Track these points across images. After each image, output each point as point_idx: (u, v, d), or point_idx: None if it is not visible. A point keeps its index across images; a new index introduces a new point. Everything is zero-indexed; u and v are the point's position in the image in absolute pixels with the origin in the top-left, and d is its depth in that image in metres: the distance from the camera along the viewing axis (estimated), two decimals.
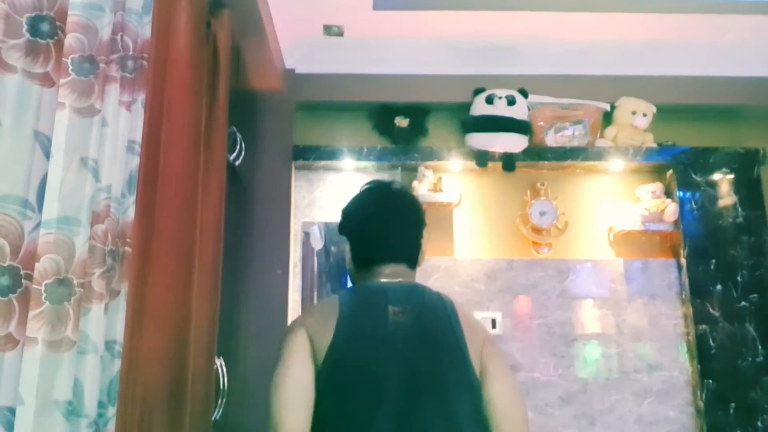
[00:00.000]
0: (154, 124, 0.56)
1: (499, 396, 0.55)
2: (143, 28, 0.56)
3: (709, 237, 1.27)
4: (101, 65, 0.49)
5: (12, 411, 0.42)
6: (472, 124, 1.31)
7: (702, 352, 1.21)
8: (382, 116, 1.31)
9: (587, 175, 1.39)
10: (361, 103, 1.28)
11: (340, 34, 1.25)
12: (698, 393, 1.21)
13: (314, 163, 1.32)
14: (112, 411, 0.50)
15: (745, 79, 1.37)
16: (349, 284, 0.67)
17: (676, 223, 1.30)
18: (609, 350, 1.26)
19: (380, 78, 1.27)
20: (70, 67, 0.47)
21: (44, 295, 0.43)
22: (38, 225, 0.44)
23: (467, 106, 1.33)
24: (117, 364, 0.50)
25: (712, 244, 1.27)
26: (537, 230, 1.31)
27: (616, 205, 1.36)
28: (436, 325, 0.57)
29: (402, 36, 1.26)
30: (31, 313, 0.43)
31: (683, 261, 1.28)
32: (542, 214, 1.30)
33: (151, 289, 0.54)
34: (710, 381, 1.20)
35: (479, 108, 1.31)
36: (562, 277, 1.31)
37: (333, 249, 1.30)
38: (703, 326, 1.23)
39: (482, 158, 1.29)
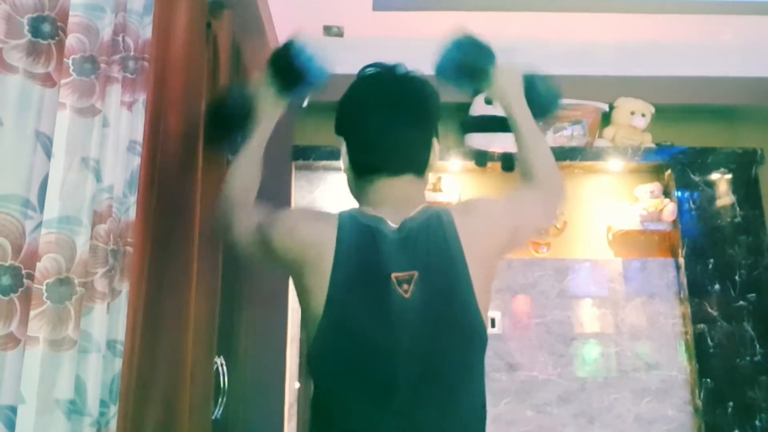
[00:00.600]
0: (154, 124, 0.56)
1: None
2: (144, 29, 0.56)
3: (708, 236, 1.28)
4: (102, 65, 0.49)
5: (13, 410, 0.42)
6: (471, 124, 1.31)
7: (700, 351, 1.22)
8: None
9: (586, 175, 1.39)
10: None
11: (340, 34, 1.25)
12: (696, 392, 1.22)
13: (314, 163, 1.33)
14: (114, 409, 0.50)
15: (743, 80, 1.38)
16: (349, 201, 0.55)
17: (674, 222, 1.31)
18: (608, 349, 1.27)
19: None
20: (72, 67, 0.47)
21: (45, 294, 0.43)
22: (39, 225, 0.45)
23: (466, 106, 1.34)
24: (119, 363, 0.51)
25: (711, 244, 1.28)
26: None
27: (614, 204, 1.37)
28: (445, 301, 0.48)
29: (401, 36, 1.26)
30: (32, 313, 0.43)
31: (681, 260, 1.29)
32: None
33: (152, 288, 0.55)
34: (708, 380, 1.20)
35: (478, 108, 1.31)
36: (560, 277, 1.32)
37: None
38: (702, 325, 1.23)
39: (481, 158, 1.30)
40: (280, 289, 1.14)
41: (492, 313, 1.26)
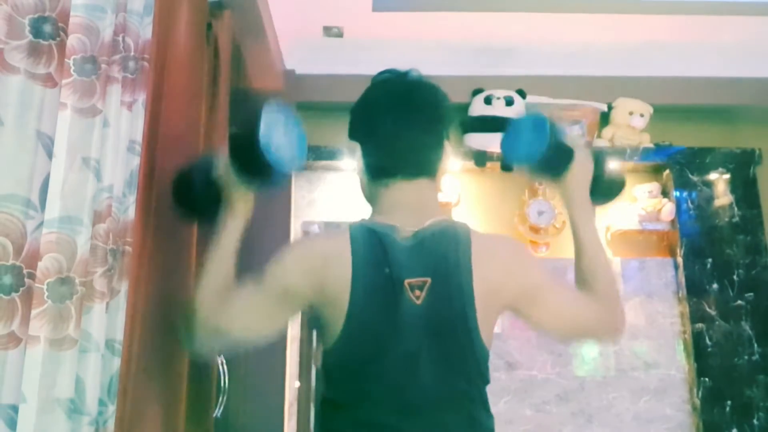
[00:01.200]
0: (154, 124, 0.56)
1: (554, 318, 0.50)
2: (145, 29, 0.56)
3: (706, 236, 1.29)
4: (103, 66, 0.49)
5: (15, 409, 0.42)
6: (470, 124, 1.32)
7: (698, 351, 1.22)
8: None
9: None
10: None
11: (340, 35, 1.26)
12: (694, 391, 1.22)
13: (314, 163, 1.33)
14: (111, 409, 0.50)
15: (742, 80, 1.38)
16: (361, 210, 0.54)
17: (672, 222, 1.31)
18: (606, 348, 1.27)
19: None
20: (72, 67, 0.47)
21: (46, 293, 0.44)
22: (40, 224, 0.45)
23: (466, 106, 1.34)
24: (117, 362, 0.51)
25: (709, 244, 1.28)
26: (535, 229, 1.32)
27: (613, 204, 1.37)
28: (449, 312, 0.48)
29: (401, 37, 1.27)
30: (33, 312, 0.43)
31: (680, 260, 1.29)
32: (540, 213, 1.31)
33: (151, 288, 0.55)
34: (706, 379, 1.21)
35: (478, 108, 1.32)
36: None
37: None
38: (700, 325, 1.24)
39: (481, 158, 1.30)
40: None
41: None
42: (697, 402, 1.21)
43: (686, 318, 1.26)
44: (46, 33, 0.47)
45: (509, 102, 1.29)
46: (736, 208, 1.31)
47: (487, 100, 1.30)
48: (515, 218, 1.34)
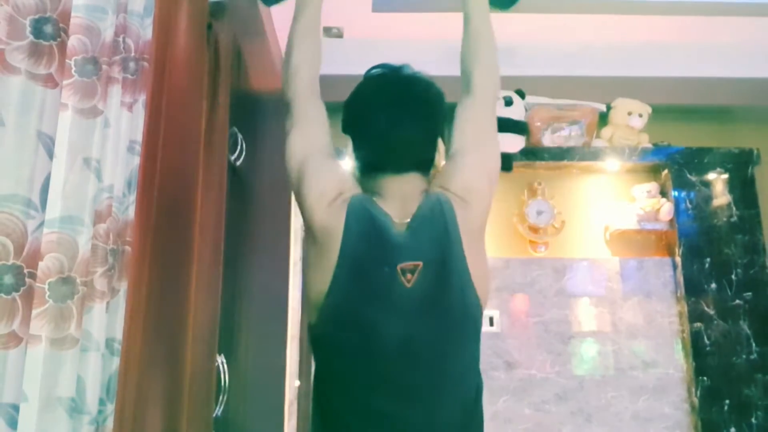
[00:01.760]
0: (154, 125, 0.56)
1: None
2: (145, 30, 0.56)
3: (704, 236, 1.29)
4: (104, 66, 0.50)
5: (16, 408, 0.42)
6: None
7: (697, 350, 1.23)
8: None
9: (584, 175, 1.40)
10: None
11: (340, 35, 1.26)
12: (693, 390, 1.23)
13: None
14: (111, 408, 0.50)
15: (740, 80, 1.39)
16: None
17: (671, 222, 1.32)
18: (605, 348, 1.28)
19: None
20: (73, 68, 0.47)
21: (48, 293, 0.44)
22: (41, 224, 0.45)
23: None
24: (116, 361, 0.51)
25: (707, 243, 1.29)
26: (534, 229, 1.32)
27: (612, 204, 1.38)
28: (442, 290, 0.49)
29: (400, 38, 1.27)
30: (34, 311, 0.43)
31: (678, 259, 1.29)
32: (539, 213, 1.31)
33: (150, 287, 0.55)
34: (705, 378, 1.21)
35: None
36: (558, 276, 1.32)
37: None
38: (698, 324, 1.24)
39: None
40: (281, 288, 1.14)
41: (490, 311, 1.27)
42: (696, 401, 1.21)
43: (684, 317, 1.27)
44: (47, 34, 0.48)
45: (508, 102, 1.29)
46: (734, 208, 1.31)
47: None
48: (514, 218, 1.34)
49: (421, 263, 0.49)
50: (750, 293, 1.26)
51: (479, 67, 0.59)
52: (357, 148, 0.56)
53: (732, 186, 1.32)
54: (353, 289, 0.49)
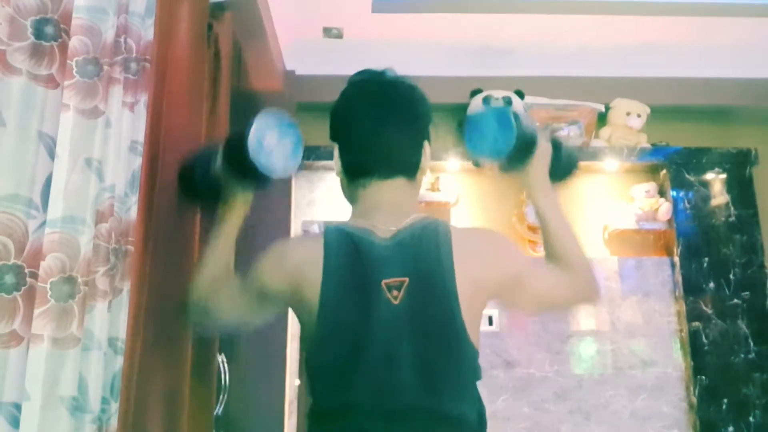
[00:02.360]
0: (156, 125, 0.57)
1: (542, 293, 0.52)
2: (146, 30, 0.57)
3: (702, 235, 1.29)
4: (105, 67, 0.50)
5: (18, 407, 0.43)
6: None
7: (695, 349, 1.23)
8: None
9: (582, 175, 1.40)
10: None
11: (340, 36, 1.26)
12: (691, 389, 1.23)
13: (314, 163, 1.33)
14: (114, 406, 0.51)
15: (738, 81, 1.39)
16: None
17: (669, 221, 1.32)
18: (604, 347, 1.28)
19: None
20: (75, 69, 0.48)
21: (50, 292, 0.44)
22: (43, 224, 0.45)
23: (464, 107, 1.34)
24: (119, 360, 0.51)
25: (705, 243, 1.29)
26: (533, 229, 1.32)
27: (610, 204, 1.38)
28: (431, 309, 0.48)
29: (400, 38, 1.27)
30: (37, 311, 0.43)
31: (677, 259, 1.30)
32: None
33: (153, 286, 0.55)
34: (703, 377, 1.22)
35: (476, 109, 1.33)
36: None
37: None
38: (696, 323, 1.25)
39: None
40: None
41: (489, 311, 1.27)
42: (694, 400, 1.22)
43: (683, 316, 1.27)
44: (48, 34, 0.48)
45: (508, 102, 1.30)
46: (732, 208, 1.31)
47: (486, 101, 1.30)
48: (513, 218, 1.34)
49: (407, 279, 0.48)
50: (748, 293, 1.27)
51: (575, 264, 0.56)
52: (343, 154, 0.55)
53: (730, 186, 1.33)
54: (341, 309, 0.49)
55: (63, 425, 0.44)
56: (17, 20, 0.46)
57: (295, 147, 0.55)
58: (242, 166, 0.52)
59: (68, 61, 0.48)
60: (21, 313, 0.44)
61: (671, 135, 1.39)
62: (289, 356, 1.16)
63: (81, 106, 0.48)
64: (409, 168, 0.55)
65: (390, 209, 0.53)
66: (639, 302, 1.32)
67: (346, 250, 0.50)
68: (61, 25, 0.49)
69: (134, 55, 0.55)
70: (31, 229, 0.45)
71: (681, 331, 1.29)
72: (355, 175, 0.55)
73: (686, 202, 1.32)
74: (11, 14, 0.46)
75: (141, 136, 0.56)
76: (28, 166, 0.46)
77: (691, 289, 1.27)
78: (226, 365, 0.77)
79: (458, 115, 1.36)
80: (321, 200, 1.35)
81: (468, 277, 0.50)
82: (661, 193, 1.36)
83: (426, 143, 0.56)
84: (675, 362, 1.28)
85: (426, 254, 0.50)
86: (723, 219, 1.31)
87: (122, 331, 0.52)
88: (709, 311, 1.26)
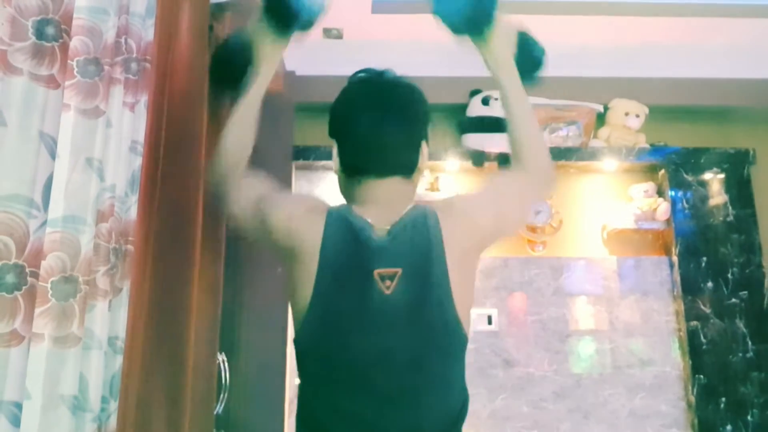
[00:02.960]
0: (156, 125, 0.57)
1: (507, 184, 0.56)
2: (147, 31, 0.57)
3: (701, 235, 1.30)
4: (106, 67, 0.50)
5: (18, 406, 0.43)
6: (468, 124, 1.33)
7: (693, 348, 1.24)
8: None
9: (581, 175, 1.41)
10: None
11: (340, 36, 1.26)
12: (689, 388, 1.23)
13: (314, 163, 1.34)
14: (114, 405, 0.51)
15: (736, 81, 1.40)
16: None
17: (668, 221, 1.33)
18: (602, 346, 1.28)
19: None
20: (76, 69, 0.48)
21: (50, 292, 0.44)
22: (44, 224, 0.45)
23: (464, 107, 1.35)
24: (119, 359, 0.52)
25: (703, 242, 1.30)
26: (532, 228, 1.33)
27: (609, 204, 1.39)
28: (422, 299, 0.49)
29: (400, 39, 1.28)
30: (37, 310, 0.44)
31: (675, 259, 1.30)
32: (537, 212, 1.32)
33: (153, 286, 0.55)
34: (701, 376, 1.22)
35: (475, 109, 1.33)
36: (556, 275, 1.33)
37: None
38: (695, 322, 1.25)
39: (478, 158, 1.31)
40: (282, 287, 1.15)
41: (489, 310, 1.27)
42: (692, 399, 1.22)
43: (681, 316, 1.27)
44: (49, 35, 0.48)
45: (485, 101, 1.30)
46: (730, 208, 1.32)
47: (485, 101, 1.31)
48: None
49: (400, 270, 0.49)
50: (746, 292, 1.27)
51: (531, 146, 0.60)
52: (341, 152, 0.57)
53: (728, 186, 1.33)
54: (334, 296, 0.50)
55: (64, 424, 0.44)
56: (18, 21, 0.46)
57: None
58: (281, 7, 0.57)
59: (69, 62, 0.48)
60: (22, 313, 0.44)
61: (670, 135, 1.39)
62: (289, 355, 1.16)
63: (82, 106, 0.48)
64: (407, 167, 0.56)
65: (385, 206, 0.54)
66: (637, 301, 1.32)
67: (344, 237, 0.51)
68: (62, 26, 0.49)
69: (135, 55, 0.56)
70: (32, 229, 0.46)
71: (679, 330, 1.29)
72: (352, 172, 0.56)
73: (684, 201, 1.33)
74: (12, 15, 0.46)
75: (141, 136, 0.56)
76: (28, 166, 0.46)
77: (689, 288, 1.27)
78: (226, 364, 0.77)
79: (457, 115, 1.36)
80: None
81: (458, 255, 0.52)
82: (660, 192, 1.37)
83: (424, 143, 0.58)
84: (673, 361, 1.28)
85: (418, 245, 0.51)
86: (721, 219, 1.31)
87: (122, 330, 0.52)
88: (708, 310, 1.26)
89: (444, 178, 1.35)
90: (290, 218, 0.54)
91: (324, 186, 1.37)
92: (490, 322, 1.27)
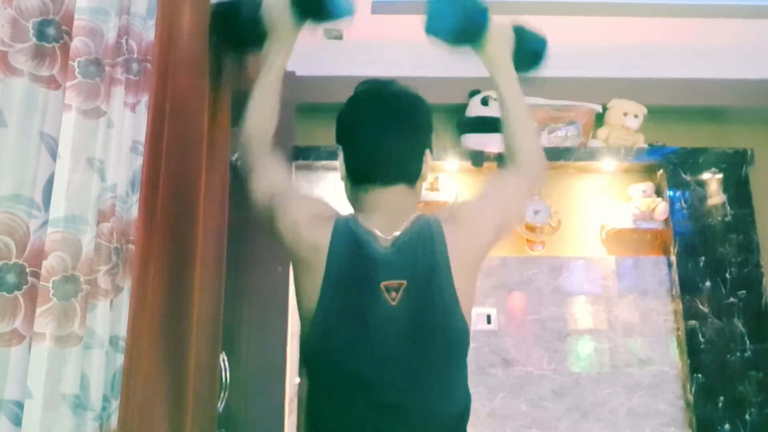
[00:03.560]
0: (157, 125, 0.57)
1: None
2: (147, 31, 0.57)
3: (699, 235, 1.30)
4: (107, 68, 0.50)
5: (19, 405, 0.43)
6: (467, 125, 1.33)
7: (691, 347, 1.24)
8: None
9: (580, 175, 1.41)
10: None
11: (340, 37, 1.27)
12: (688, 387, 1.24)
13: (314, 163, 1.33)
14: (115, 404, 0.51)
15: (734, 81, 1.40)
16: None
17: (666, 221, 1.33)
18: (601, 345, 1.29)
19: None
20: (77, 69, 0.48)
21: (52, 291, 0.44)
22: (44, 224, 0.45)
23: (463, 107, 1.35)
24: (120, 358, 0.52)
25: (702, 242, 1.30)
26: (531, 228, 1.33)
27: (608, 203, 1.39)
28: (429, 309, 0.50)
29: (400, 39, 1.28)
30: (38, 310, 0.44)
31: (673, 258, 1.30)
32: (536, 212, 1.32)
33: (153, 285, 0.56)
34: (699, 375, 1.22)
35: (475, 109, 1.33)
36: (555, 274, 1.34)
37: None
38: (693, 322, 1.25)
39: (478, 158, 1.32)
40: (282, 286, 1.15)
41: (488, 309, 1.28)
42: (691, 398, 1.23)
43: (679, 315, 1.28)
44: (50, 36, 0.48)
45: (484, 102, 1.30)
46: (728, 208, 1.32)
47: (484, 102, 1.31)
48: None
49: (405, 282, 0.51)
50: (744, 291, 1.27)
51: (525, 144, 0.62)
52: (347, 159, 0.58)
53: (726, 186, 1.33)
54: (339, 306, 0.51)
55: (65, 423, 0.44)
56: (19, 22, 0.47)
57: None
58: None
59: (70, 62, 0.48)
60: (22, 312, 0.44)
61: (668, 135, 1.40)
62: (289, 355, 1.16)
63: (83, 106, 0.48)
64: (411, 176, 0.57)
65: (390, 214, 0.55)
66: (636, 301, 1.32)
67: (350, 248, 0.52)
68: (63, 27, 0.49)
69: (136, 55, 0.56)
70: (33, 229, 0.46)
71: (678, 329, 1.30)
72: (358, 180, 0.58)
73: (683, 201, 1.33)
74: (13, 16, 0.46)
75: (142, 136, 0.56)
76: (29, 167, 0.46)
77: (687, 287, 1.28)
78: (226, 363, 0.77)
79: (457, 115, 1.37)
80: None
81: (463, 263, 0.53)
82: (658, 192, 1.37)
83: (428, 152, 0.59)
84: (672, 360, 1.28)
85: (423, 257, 0.52)
86: (719, 218, 1.32)
87: (123, 330, 0.52)
88: (706, 310, 1.26)
89: (444, 178, 1.35)
90: (296, 225, 0.54)
91: (324, 186, 1.37)
92: (489, 322, 1.28)
